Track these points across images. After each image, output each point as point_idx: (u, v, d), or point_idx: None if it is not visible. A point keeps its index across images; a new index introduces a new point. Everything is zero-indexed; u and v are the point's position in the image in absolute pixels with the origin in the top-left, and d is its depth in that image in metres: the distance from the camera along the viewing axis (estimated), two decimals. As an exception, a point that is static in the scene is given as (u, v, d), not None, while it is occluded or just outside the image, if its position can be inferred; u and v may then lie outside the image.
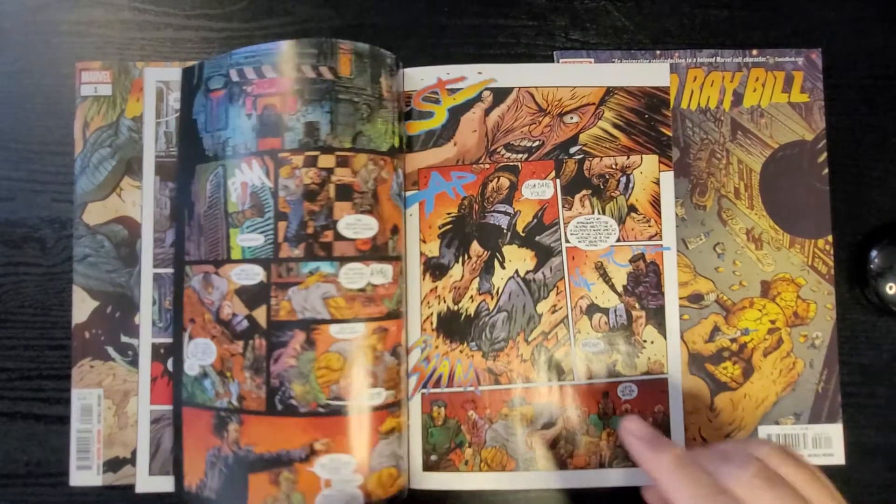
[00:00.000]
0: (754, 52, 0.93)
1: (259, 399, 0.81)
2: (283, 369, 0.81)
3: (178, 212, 0.88)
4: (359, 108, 0.83)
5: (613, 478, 0.88)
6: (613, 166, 0.90)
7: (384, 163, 0.84)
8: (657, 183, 0.90)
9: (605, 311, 0.89)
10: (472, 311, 0.89)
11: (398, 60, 0.88)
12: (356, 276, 0.81)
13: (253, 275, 0.82)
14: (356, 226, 0.81)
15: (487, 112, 0.90)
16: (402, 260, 0.87)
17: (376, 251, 0.82)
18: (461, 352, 0.88)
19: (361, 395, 0.81)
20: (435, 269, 0.89)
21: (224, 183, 0.85)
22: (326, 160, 0.81)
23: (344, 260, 0.81)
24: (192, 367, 0.85)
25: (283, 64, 0.84)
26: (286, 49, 0.84)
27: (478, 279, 0.89)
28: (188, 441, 0.86)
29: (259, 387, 0.81)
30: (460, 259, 0.89)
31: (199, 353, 0.85)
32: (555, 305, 0.89)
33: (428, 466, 0.87)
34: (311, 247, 0.81)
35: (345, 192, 0.82)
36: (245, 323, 0.82)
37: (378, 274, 0.82)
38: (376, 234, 0.82)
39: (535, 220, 0.89)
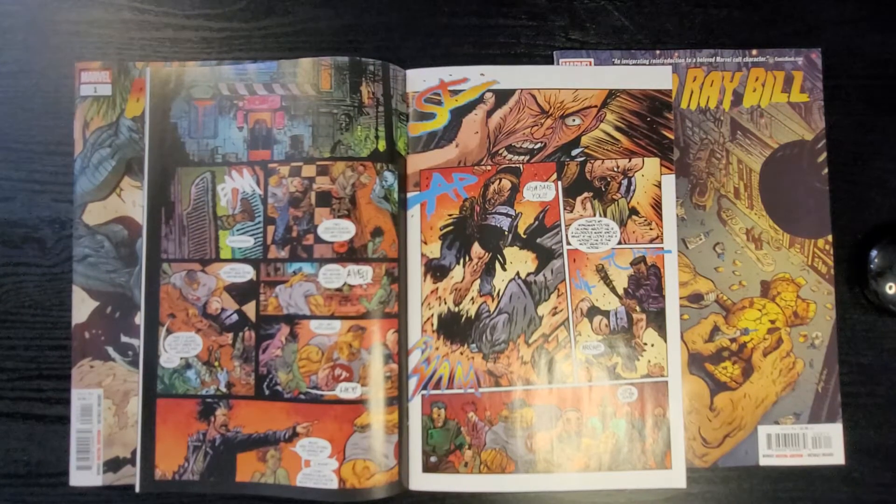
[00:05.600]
0: (754, 52, 0.93)
1: (248, 385, 0.88)
2: (271, 358, 0.88)
3: (153, 211, 0.90)
4: (337, 119, 0.88)
5: (614, 481, 0.88)
6: (615, 169, 0.90)
7: (363, 168, 0.87)
8: (658, 186, 0.90)
9: (606, 314, 0.89)
10: (472, 312, 0.89)
11: (386, 64, 0.89)
12: (333, 276, 0.87)
13: (244, 273, 0.89)
14: (334, 229, 0.87)
15: (489, 114, 0.90)
16: (399, 261, 0.88)
17: (353, 253, 0.86)
18: (461, 353, 0.88)
19: (335, 388, 0.86)
20: (436, 270, 0.89)
21: (212, 188, 0.89)
22: (308, 170, 0.88)
23: (323, 261, 0.87)
24: (170, 359, 0.89)
25: (273, 83, 0.89)
26: (277, 69, 0.89)
27: (479, 281, 0.89)
28: (163, 431, 0.89)
29: (248, 374, 0.88)
30: (461, 261, 0.89)
31: (181, 346, 0.89)
32: (555, 308, 0.89)
33: (427, 468, 0.87)
34: (295, 249, 0.88)
35: (324, 198, 0.87)
36: (235, 317, 0.89)
37: (355, 275, 0.87)
38: (353, 237, 0.87)
39: (537, 223, 0.89)
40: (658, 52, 0.92)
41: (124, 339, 0.89)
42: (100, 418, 0.89)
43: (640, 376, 0.88)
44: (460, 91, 0.91)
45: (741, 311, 0.91)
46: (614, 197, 0.89)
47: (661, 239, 0.89)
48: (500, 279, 0.89)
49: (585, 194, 0.90)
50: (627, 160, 0.90)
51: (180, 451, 0.88)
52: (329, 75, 0.88)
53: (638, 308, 0.89)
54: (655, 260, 0.89)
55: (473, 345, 0.88)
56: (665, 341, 0.89)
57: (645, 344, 0.89)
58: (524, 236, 0.89)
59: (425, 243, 0.89)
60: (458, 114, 0.90)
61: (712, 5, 0.94)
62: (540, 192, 0.90)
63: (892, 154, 0.93)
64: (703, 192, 0.91)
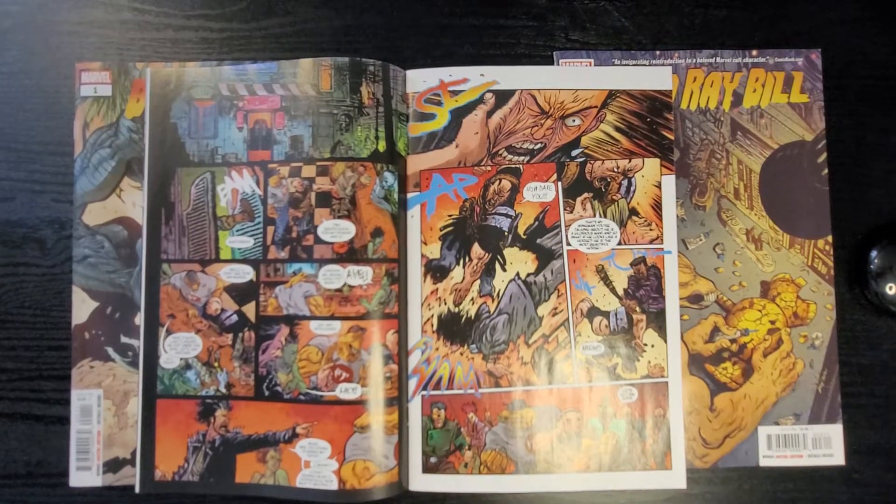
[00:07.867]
0: (754, 52, 0.92)
1: (248, 386, 0.88)
2: (270, 359, 0.88)
3: (153, 212, 0.90)
4: (337, 119, 0.88)
5: (614, 481, 0.88)
6: (615, 169, 0.90)
7: (363, 169, 0.87)
8: (658, 186, 0.90)
9: (606, 315, 0.89)
10: (472, 313, 0.89)
11: (386, 65, 0.89)
12: (333, 277, 0.87)
13: (243, 273, 0.89)
14: (334, 230, 0.87)
15: (489, 114, 0.90)
16: (399, 262, 0.88)
17: (353, 254, 0.86)
18: (461, 354, 0.88)
19: (335, 388, 0.86)
20: (436, 271, 0.89)
21: (212, 188, 0.89)
22: (308, 170, 0.88)
23: (323, 262, 0.87)
24: (170, 360, 0.89)
25: (273, 83, 0.89)
26: (277, 70, 0.89)
27: (479, 281, 0.89)
28: (163, 432, 0.88)
29: (248, 375, 0.88)
30: (461, 261, 0.89)
31: (181, 347, 0.89)
32: (555, 308, 0.89)
33: (427, 468, 0.87)
34: (295, 249, 0.88)
35: (324, 199, 0.87)
36: (235, 317, 0.89)
37: (355, 275, 0.86)
38: (353, 237, 0.87)
39: (537, 223, 0.89)
40: (658, 52, 0.92)
41: (124, 339, 0.89)
42: (100, 419, 0.88)
43: (640, 377, 0.88)
44: (460, 91, 0.91)
45: (741, 312, 0.90)
46: (614, 197, 0.89)
47: (661, 239, 0.89)
48: (500, 280, 0.89)
49: (585, 195, 0.89)
50: (627, 161, 0.90)
51: (180, 452, 0.88)
52: (329, 76, 0.88)
53: (638, 309, 0.89)
54: (655, 260, 0.89)
55: (473, 345, 0.88)
56: (665, 342, 0.89)
57: (645, 344, 0.89)
58: (524, 237, 0.89)
59: (425, 244, 0.89)
60: (458, 114, 0.90)
61: (712, 5, 0.94)
62: (540, 192, 0.90)
63: (892, 154, 0.93)
64: (703, 192, 0.91)
